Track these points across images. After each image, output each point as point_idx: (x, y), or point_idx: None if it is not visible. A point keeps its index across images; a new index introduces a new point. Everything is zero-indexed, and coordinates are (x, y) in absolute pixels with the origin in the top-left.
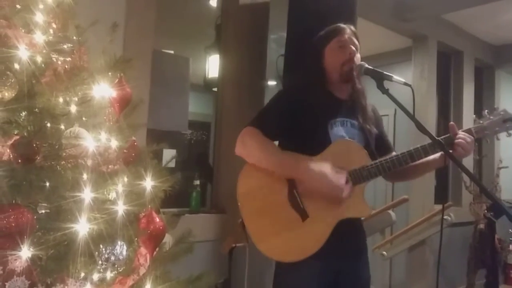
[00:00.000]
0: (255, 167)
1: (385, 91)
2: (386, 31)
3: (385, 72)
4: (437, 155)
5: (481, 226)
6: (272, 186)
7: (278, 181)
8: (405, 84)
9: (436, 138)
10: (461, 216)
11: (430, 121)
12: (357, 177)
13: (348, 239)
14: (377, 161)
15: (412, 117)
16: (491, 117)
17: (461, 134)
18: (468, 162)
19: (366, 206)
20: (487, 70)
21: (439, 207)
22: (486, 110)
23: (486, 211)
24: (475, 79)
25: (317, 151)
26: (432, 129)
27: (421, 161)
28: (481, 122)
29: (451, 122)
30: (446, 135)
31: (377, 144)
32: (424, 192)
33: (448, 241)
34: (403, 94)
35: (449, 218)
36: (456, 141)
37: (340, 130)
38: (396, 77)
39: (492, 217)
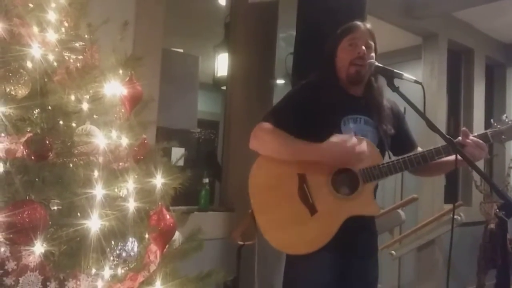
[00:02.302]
0: (268, 160)
1: (395, 89)
2: (396, 29)
3: (395, 70)
4: (451, 156)
5: (492, 225)
6: (282, 179)
7: (289, 175)
8: (416, 82)
9: (447, 136)
10: (471, 215)
11: (440, 120)
12: (368, 176)
13: (360, 237)
14: (389, 160)
15: (422, 115)
16: (510, 122)
17: (471, 138)
18: (479, 161)
19: (375, 204)
20: (498, 68)
21: (449, 206)
22: (505, 115)
23: (497, 210)
24: (486, 77)
25: None
26: (442, 128)
27: (435, 162)
28: (499, 126)
29: (464, 128)
30: (457, 139)
31: (396, 143)
32: (434, 192)
33: (458, 241)
34: (412, 93)
35: (459, 217)
36: (469, 148)
37: (352, 127)
38: (406, 74)
39: (503, 216)
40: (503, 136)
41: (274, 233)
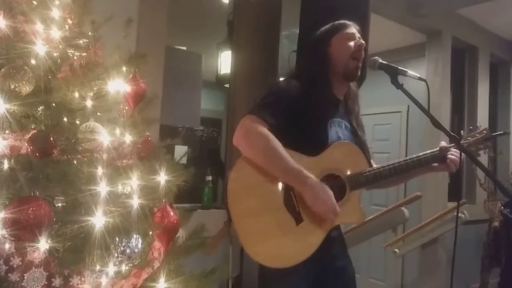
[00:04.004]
0: (250, 163)
1: (399, 86)
2: (399, 26)
3: (399, 67)
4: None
5: (496, 223)
6: (266, 185)
7: (274, 181)
8: (420, 79)
9: (451, 133)
10: (475, 213)
11: (444, 118)
12: (355, 183)
13: (332, 240)
14: (374, 167)
15: (427, 112)
16: (477, 135)
17: (453, 150)
18: (483, 159)
19: (361, 212)
20: (502, 66)
21: (452, 204)
22: (471, 127)
23: (502, 207)
24: (490, 75)
25: (315, 149)
26: (446, 126)
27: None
28: (469, 138)
29: (443, 143)
30: (437, 149)
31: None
32: (438, 189)
33: (461, 239)
34: (416, 91)
35: (463, 215)
36: (450, 156)
37: (337, 131)
38: (410, 72)
39: (508, 214)
40: (472, 148)
41: (257, 246)
